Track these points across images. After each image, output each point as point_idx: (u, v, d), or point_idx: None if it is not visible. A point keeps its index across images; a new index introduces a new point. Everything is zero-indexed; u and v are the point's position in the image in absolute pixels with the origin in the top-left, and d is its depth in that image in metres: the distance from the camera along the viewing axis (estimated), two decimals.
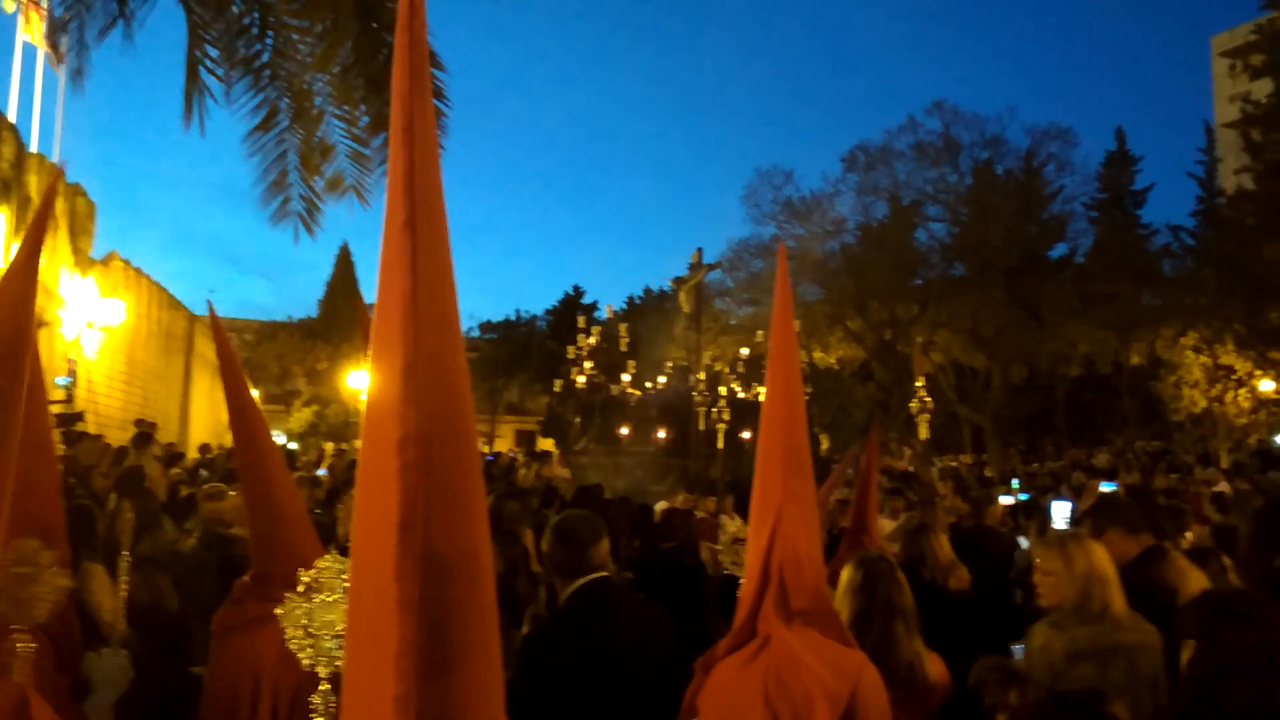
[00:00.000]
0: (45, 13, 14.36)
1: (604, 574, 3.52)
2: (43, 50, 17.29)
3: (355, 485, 1.28)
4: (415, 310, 1.21)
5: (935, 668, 3.45)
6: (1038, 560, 3.97)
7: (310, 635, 1.61)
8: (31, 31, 16.51)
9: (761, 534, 2.59)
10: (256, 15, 6.78)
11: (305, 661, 1.61)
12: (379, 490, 1.21)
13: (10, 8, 15.89)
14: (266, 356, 46.33)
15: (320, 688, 1.59)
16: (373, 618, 1.20)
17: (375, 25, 6.88)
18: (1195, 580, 4.29)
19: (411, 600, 1.17)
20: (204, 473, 13.62)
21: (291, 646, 1.61)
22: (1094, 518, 4.63)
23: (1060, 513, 7.25)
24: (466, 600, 1.22)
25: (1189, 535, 7.60)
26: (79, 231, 18.82)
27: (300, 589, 1.64)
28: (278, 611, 1.65)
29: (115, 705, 3.19)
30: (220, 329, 3.58)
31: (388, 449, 1.20)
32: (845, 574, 3.60)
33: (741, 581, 2.91)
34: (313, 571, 1.65)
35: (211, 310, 3.77)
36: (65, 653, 2.95)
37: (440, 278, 1.26)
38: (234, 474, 7.09)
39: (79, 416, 16.44)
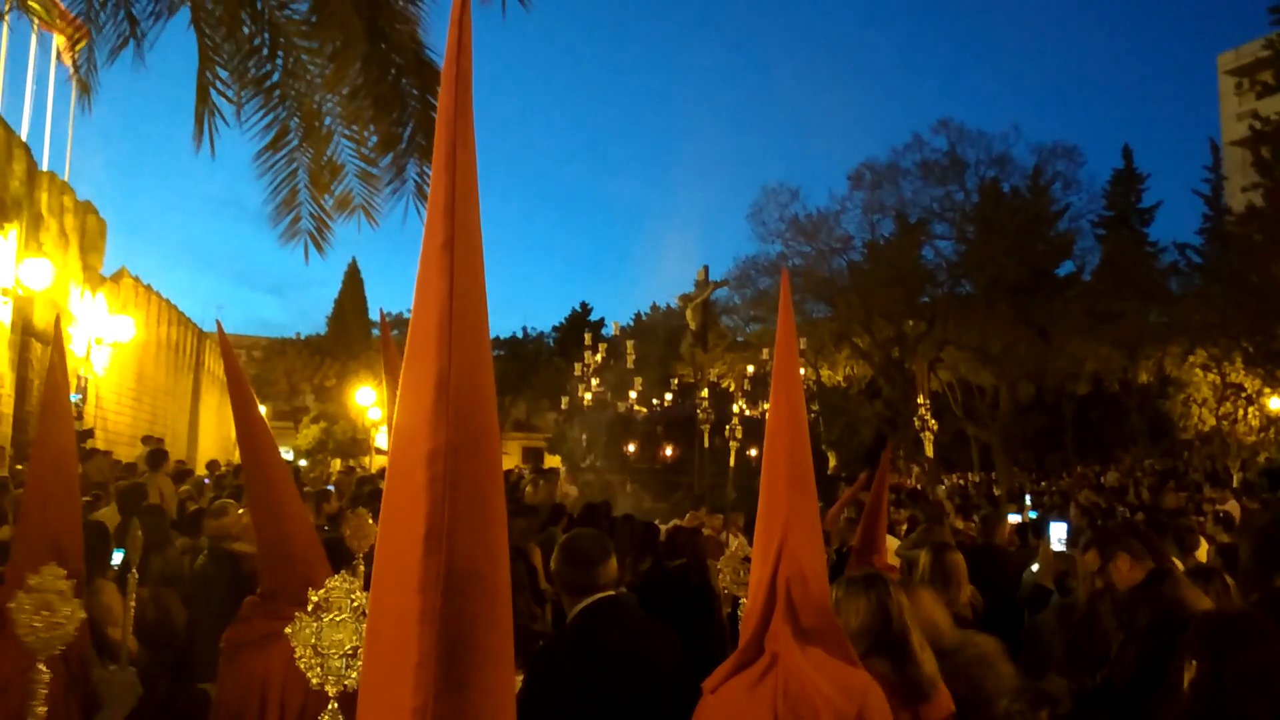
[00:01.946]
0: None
1: (611, 593, 3.54)
2: (61, 63, 17.44)
3: (382, 497, 1.30)
4: (449, 328, 1.24)
5: (941, 687, 3.45)
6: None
7: (319, 654, 1.63)
8: (62, 46, 16.65)
9: (768, 552, 2.60)
10: (267, 36, 6.83)
11: (314, 680, 1.63)
12: (406, 502, 1.23)
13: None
14: (275, 373, 46.46)
15: (330, 706, 1.61)
16: (393, 629, 1.22)
17: (384, 46, 6.94)
18: (1201, 602, 4.28)
19: (433, 612, 1.19)
20: (207, 482, 13.65)
21: (300, 665, 1.63)
22: (1101, 545, 4.63)
23: (1058, 533, 7.20)
24: (485, 613, 1.24)
25: (1200, 555, 7.55)
26: (89, 248, 18.93)
27: (310, 608, 1.66)
28: (286, 630, 1.67)
29: None
30: (228, 347, 3.59)
31: (417, 462, 1.22)
32: (846, 590, 3.55)
33: (743, 600, 2.91)
34: (322, 591, 1.67)
35: (220, 329, 3.80)
36: (76, 670, 2.96)
37: (474, 297, 1.29)
38: (241, 490, 7.13)
39: (89, 433, 16.52)
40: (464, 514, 1.22)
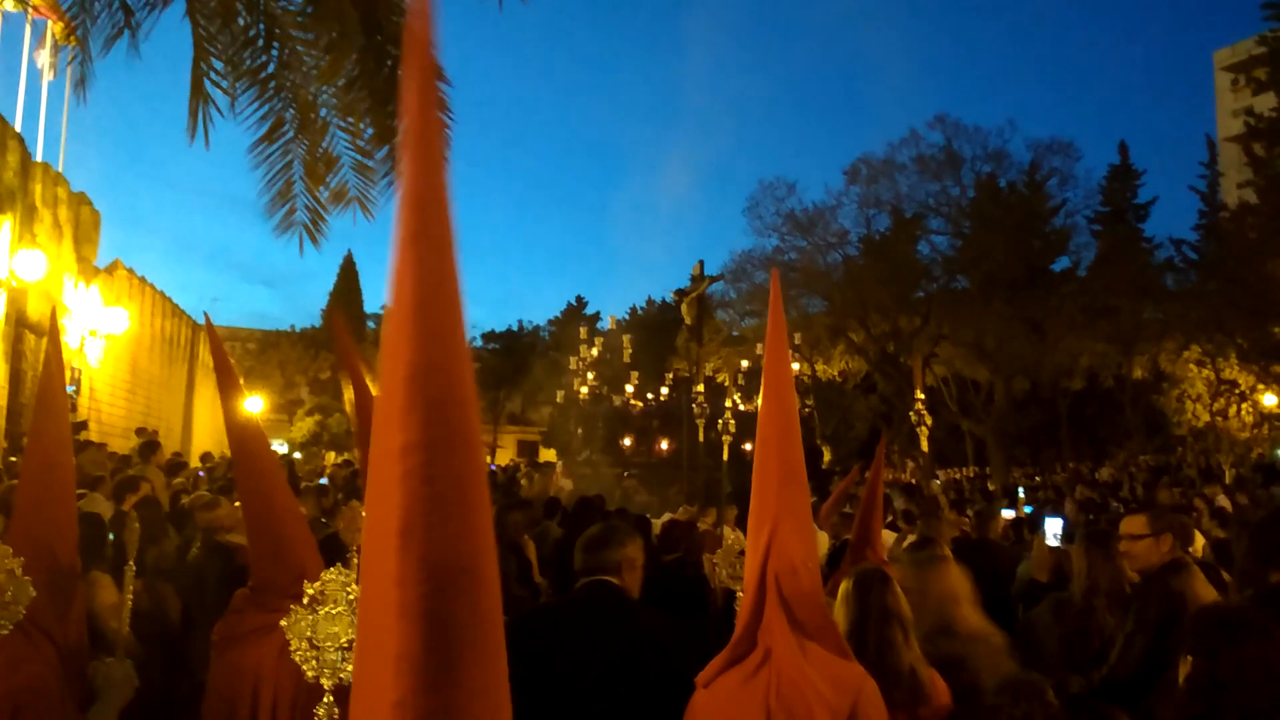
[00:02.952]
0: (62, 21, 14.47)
1: (609, 578, 3.58)
2: (49, 61, 17.40)
3: (364, 492, 1.30)
4: (418, 321, 1.23)
5: (939, 682, 3.45)
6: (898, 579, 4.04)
7: (314, 647, 1.62)
8: (59, 36, 16.60)
9: (758, 546, 2.60)
10: (262, 27, 6.81)
11: (309, 673, 1.62)
12: (381, 497, 1.22)
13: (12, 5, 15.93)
14: (270, 366, 46.40)
15: (325, 699, 1.60)
16: (375, 624, 1.21)
17: (380, 38, 6.91)
18: (1209, 597, 4.26)
19: (410, 606, 1.18)
20: (202, 475, 13.63)
21: (296, 658, 1.63)
22: (1156, 518, 4.61)
23: (1053, 529, 7.18)
24: (469, 609, 1.22)
25: (1195, 550, 7.56)
26: (83, 240, 18.88)
27: (305, 601, 1.65)
28: (283, 623, 1.66)
29: (118, 714, 3.20)
30: (217, 341, 3.56)
31: (390, 456, 1.21)
32: (841, 587, 3.61)
33: (739, 594, 2.92)
34: (318, 584, 1.67)
35: (209, 322, 3.78)
36: (73, 662, 2.95)
37: (445, 289, 1.26)
38: (233, 484, 7.14)
39: (83, 425, 16.49)
40: (440, 509, 1.20)
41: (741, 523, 10.04)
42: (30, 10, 14.81)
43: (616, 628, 3.53)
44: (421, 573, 1.18)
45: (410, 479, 1.20)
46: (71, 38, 6.92)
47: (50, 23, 16.72)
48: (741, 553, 3.11)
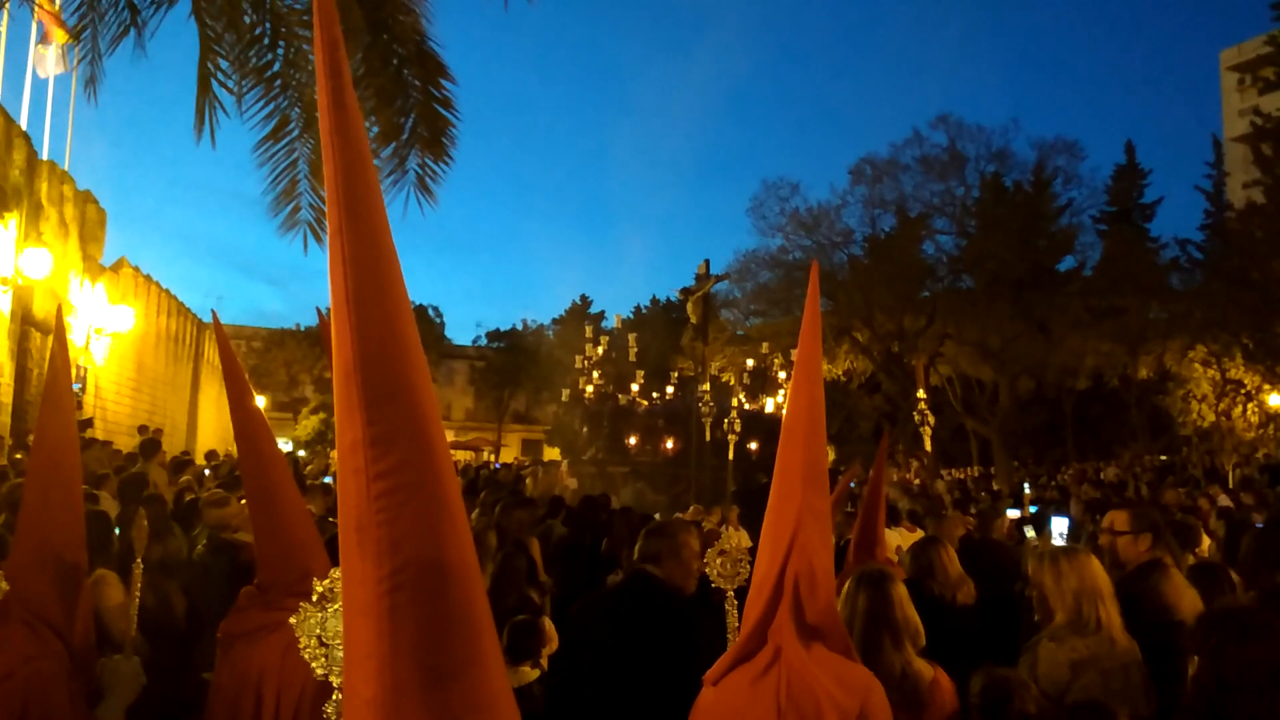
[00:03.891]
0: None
1: (645, 566, 3.87)
2: (57, 54, 17.44)
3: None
4: (351, 316, 1.21)
5: (943, 683, 3.45)
6: (1031, 575, 4.05)
7: (324, 644, 1.62)
8: (59, 37, 16.65)
9: (778, 545, 2.57)
10: (268, 25, 6.83)
11: (319, 671, 1.62)
12: (342, 494, 1.22)
13: None
14: (274, 364, 46.46)
15: (334, 697, 1.60)
16: (349, 621, 1.22)
17: (386, 37, 6.94)
18: (1189, 598, 4.27)
19: (372, 604, 1.16)
20: (208, 473, 13.65)
21: (305, 656, 1.62)
22: (1138, 516, 4.62)
23: (1059, 528, 7.18)
24: (437, 607, 1.19)
25: (1201, 550, 7.54)
26: (89, 238, 18.91)
27: (314, 598, 1.65)
28: (292, 620, 1.66)
29: (125, 711, 3.21)
30: (224, 339, 3.57)
31: (343, 454, 1.21)
32: (845, 587, 3.62)
33: (729, 593, 2.93)
34: (327, 581, 1.66)
35: (216, 320, 3.78)
36: (81, 660, 2.96)
37: (377, 283, 1.24)
38: (237, 481, 7.15)
39: (88, 423, 16.52)
40: (392, 505, 1.19)
41: (744, 521, 10.05)
42: (35, 9, 14.83)
43: (641, 615, 3.78)
44: (380, 570, 1.17)
45: (359, 476, 1.19)
46: (75, 37, 6.94)
47: (47, 24, 16.78)
48: (740, 552, 3.10)
